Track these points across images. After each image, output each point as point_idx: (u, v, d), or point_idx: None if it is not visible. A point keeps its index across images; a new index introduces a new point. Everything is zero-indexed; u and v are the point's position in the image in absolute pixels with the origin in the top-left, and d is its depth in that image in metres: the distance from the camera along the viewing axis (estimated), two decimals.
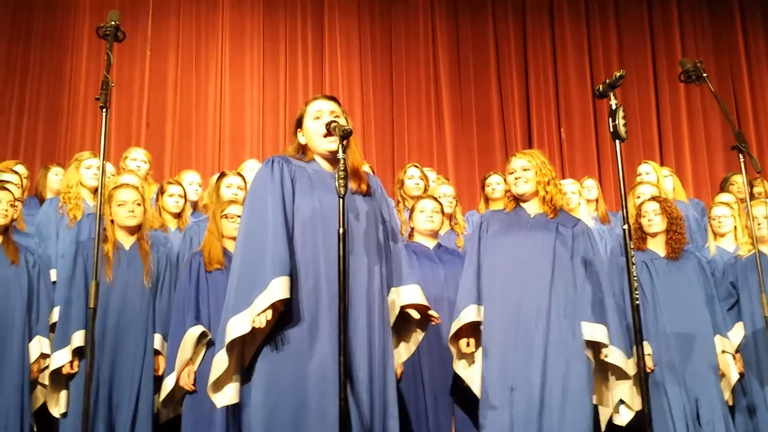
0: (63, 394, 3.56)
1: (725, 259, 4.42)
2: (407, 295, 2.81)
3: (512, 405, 3.12)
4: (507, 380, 3.16)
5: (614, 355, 3.22)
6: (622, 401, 3.36)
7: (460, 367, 3.44)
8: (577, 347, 3.18)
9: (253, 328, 2.48)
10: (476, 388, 3.34)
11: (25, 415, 3.56)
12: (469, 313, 3.32)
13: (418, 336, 2.99)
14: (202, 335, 3.49)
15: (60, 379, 3.56)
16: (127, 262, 3.69)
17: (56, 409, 3.56)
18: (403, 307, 2.80)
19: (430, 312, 2.85)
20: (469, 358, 3.40)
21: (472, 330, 3.35)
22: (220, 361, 2.55)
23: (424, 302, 2.82)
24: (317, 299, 2.57)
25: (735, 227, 4.59)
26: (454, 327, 3.35)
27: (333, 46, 7.70)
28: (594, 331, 3.21)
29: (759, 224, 4.19)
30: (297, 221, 2.64)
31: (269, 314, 2.46)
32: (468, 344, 3.37)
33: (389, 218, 2.91)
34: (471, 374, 3.40)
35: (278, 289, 2.47)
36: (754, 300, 4.11)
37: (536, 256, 3.28)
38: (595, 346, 3.26)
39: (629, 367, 3.25)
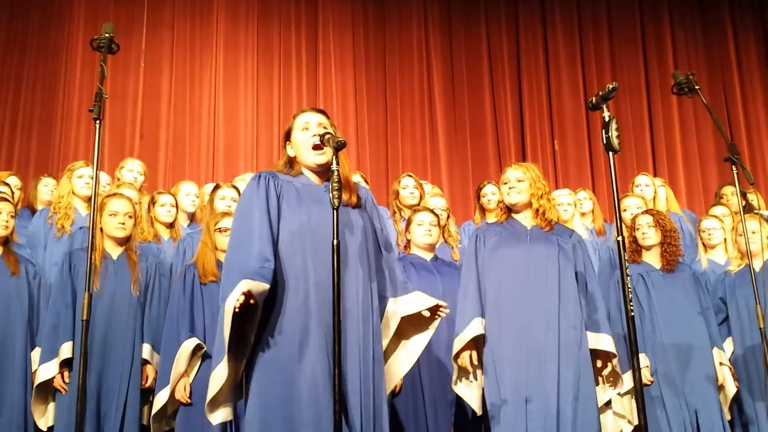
0: (51, 406, 3.54)
1: (717, 272, 4.42)
2: (410, 304, 2.76)
3: (527, 417, 3.08)
4: (521, 392, 3.12)
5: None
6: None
7: (462, 387, 3.34)
8: (585, 358, 3.19)
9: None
10: (475, 404, 3.30)
11: (29, 424, 3.56)
12: (476, 327, 3.25)
13: (414, 343, 2.86)
14: (197, 348, 3.45)
15: (47, 391, 3.53)
16: (115, 271, 3.68)
17: (42, 421, 3.54)
18: (404, 318, 2.75)
19: (440, 304, 2.76)
20: (469, 375, 3.31)
21: (474, 344, 3.29)
22: (218, 375, 2.52)
23: (430, 303, 2.75)
24: (306, 313, 2.54)
25: (725, 239, 4.60)
26: (460, 342, 3.26)
27: (327, 58, 7.71)
28: (599, 341, 3.22)
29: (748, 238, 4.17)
30: (284, 235, 2.62)
31: (241, 299, 2.40)
32: (471, 358, 3.27)
33: (382, 228, 2.89)
34: (470, 391, 3.33)
35: (243, 287, 2.42)
36: (743, 315, 4.14)
37: (541, 269, 3.28)
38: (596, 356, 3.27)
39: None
